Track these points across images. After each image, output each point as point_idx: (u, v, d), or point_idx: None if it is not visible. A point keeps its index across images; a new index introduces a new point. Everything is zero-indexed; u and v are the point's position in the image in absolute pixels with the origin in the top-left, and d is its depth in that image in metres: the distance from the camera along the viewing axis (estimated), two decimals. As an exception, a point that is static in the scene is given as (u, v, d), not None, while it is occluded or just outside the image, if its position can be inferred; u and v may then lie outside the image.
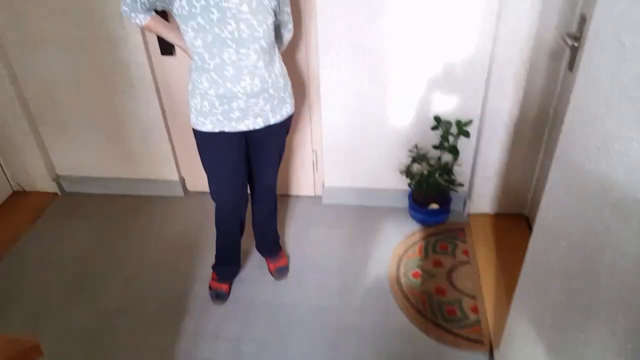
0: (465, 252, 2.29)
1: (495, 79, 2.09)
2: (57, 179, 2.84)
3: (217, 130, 1.74)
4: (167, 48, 2.29)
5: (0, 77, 2.46)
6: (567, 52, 1.97)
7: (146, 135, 2.59)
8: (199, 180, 2.69)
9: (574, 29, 1.90)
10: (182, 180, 2.78)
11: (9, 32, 2.37)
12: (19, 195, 2.89)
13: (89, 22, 2.26)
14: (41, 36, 2.35)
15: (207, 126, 1.74)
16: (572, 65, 1.90)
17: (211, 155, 1.83)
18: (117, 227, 2.61)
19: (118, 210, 2.74)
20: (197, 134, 1.79)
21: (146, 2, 1.64)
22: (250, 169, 1.97)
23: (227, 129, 1.74)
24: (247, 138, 1.84)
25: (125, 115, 2.54)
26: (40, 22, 2.31)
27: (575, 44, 1.82)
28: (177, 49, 2.21)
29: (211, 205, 1.99)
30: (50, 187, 2.85)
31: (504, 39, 1.98)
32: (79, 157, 2.76)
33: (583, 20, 1.77)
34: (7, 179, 2.85)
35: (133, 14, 1.70)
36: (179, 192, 2.78)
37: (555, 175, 1.22)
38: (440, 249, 2.31)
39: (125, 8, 1.70)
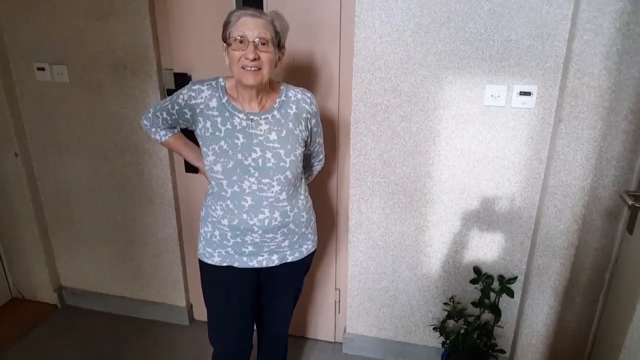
0: None
1: (543, 234, 1.91)
2: (60, 290, 2.73)
3: (225, 264, 1.60)
4: (192, 166, 2.24)
5: (19, 177, 2.48)
6: (626, 211, 1.79)
7: (158, 255, 2.48)
8: (207, 308, 2.49)
9: (633, 186, 1.73)
10: (190, 308, 2.62)
11: (35, 134, 2.43)
12: (17, 303, 2.78)
13: (117, 132, 2.30)
14: (67, 140, 2.39)
15: (215, 259, 1.60)
16: (631, 227, 1.70)
17: (215, 292, 1.67)
18: (112, 352, 2.42)
19: (117, 332, 2.56)
20: (203, 267, 1.65)
21: (168, 118, 1.61)
22: (259, 312, 1.76)
23: (236, 264, 1.60)
24: (259, 276, 1.67)
25: (139, 231, 2.47)
26: (68, 126, 2.36)
27: (636, 204, 1.64)
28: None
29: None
30: (51, 298, 2.73)
31: (554, 191, 1.85)
32: (85, 270, 2.67)
33: (645, 179, 1.61)
34: (8, 284, 2.77)
35: (154, 129, 1.68)
36: (184, 320, 2.60)
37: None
38: None
39: (146, 122, 1.69)
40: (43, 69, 2.28)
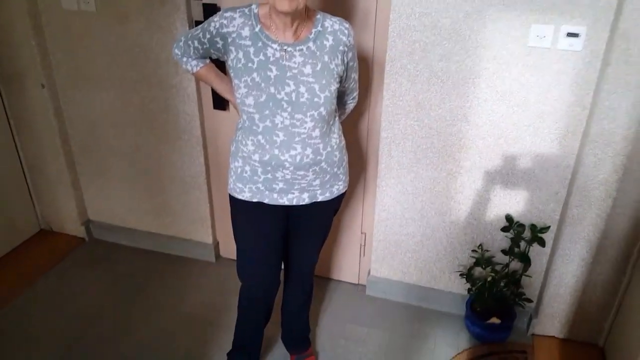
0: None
1: (580, 184, 1.89)
2: (87, 224, 2.83)
3: (255, 200, 1.62)
4: (220, 102, 2.25)
5: (45, 109, 2.51)
6: (672, 163, 1.73)
7: (185, 191, 2.53)
8: (234, 246, 2.53)
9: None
10: (216, 245, 2.69)
11: (61, 65, 2.44)
12: (45, 235, 2.89)
13: (144, 64, 2.29)
14: (93, 72, 2.40)
15: (245, 194, 1.61)
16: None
17: (245, 227, 1.70)
18: (137, 286, 2.52)
19: (143, 267, 2.65)
20: (233, 202, 1.67)
21: (200, 48, 1.59)
22: (287, 249, 1.78)
23: (266, 201, 1.61)
24: (288, 213, 1.69)
25: (166, 167, 2.51)
26: (94, 58, 2.36)
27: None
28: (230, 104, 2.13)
29: (241, 279, 1.83)
30: (79, 231, 2.83)
31: (595, 139, 1.82)
32: (112, 204, 2.74)
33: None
34: (37, 215, 2.87)
35: (185, 59, 1.66)
36: (211, 257, 2.68)
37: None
38: (495, 373, 2.01)
39: (177, 52, 1.66)
40: (69, -5, 2.25)
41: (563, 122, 1.85)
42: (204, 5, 2.10)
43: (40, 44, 2.37)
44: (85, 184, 2.73)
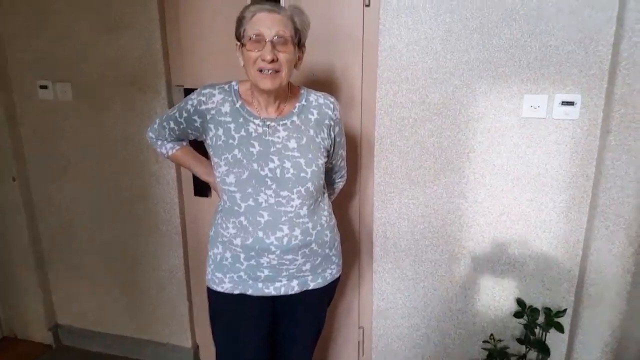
0: None
1: (594, 260, 1.81)
2: (55, 329, 2.66)
3: (237, 292, 1.50)
4: (202, 188, 2.21)
5: (15, 205, 2.45)
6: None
7: (162, 288, 2.42)
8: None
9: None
10: (196, 349, 2.51)
11: (35, 157, 2.41)
12: (8, 342, 2.70)
13: (122, 152, 2.28)
14: (69, 163, 2.38)
15: (226, 285, 1.51)
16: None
17: (226, 325, 1.57)
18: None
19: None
20: (212, 295, 1.56)
21: (176, 128, 1.55)
22: (275, 350, 1.62)
23: (250, 292, 1.50)
24: (275, 306, 1.56)
25: (142, 262, 2.42)
26: (71, 148, 2.35)
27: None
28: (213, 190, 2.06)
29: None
30: (45, 337, 2.66)
31: (604, 210, 1.77)
32: (83, 306, 2.60)
33: None
34: (0, 321, 2.63)
35: (159, 142, 1.61)
36: (190, 363, 2.45)
37: None
38: None
39: (151, 134, 1.62)
40: (46, 87, 2.28)
41: (567, 194, 1.79)
42: (186, 90, 2.12)
43: (14, 135, 2.36)
44: (54, 284, 2.60)
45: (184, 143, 1.65)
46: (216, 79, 2.00)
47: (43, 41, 2.21)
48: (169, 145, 1.62)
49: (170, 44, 2.10)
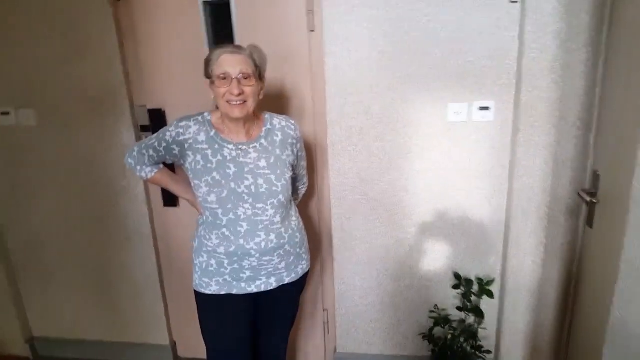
0: None
1: (514, 236, 2.19)
2: (32, 341, 2.81)
3: (223, 292, 1.76)
4: (171, 199, 2.39)
5: None
6: (584, 208, 2.06)
7: (138, 294, 2.62)
8: (192, 345, 2.62)
9: (587, 184, 2.00)
10: (173, 345, 2.75)
11: (1, 180, 2.53)
12: None
13: (89, 170, 2.44)
14: (35, 184, 2.52)
15: (213, 287, 1.77)
16: (590, 222, 1.97)
17: (215, 322, 1.83)
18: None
19: (96, 380, 2.60)
20: (200, 298, 1.81)
21: (155, 155, 1.78)
22: (256, 337, 1.94)
23: (235, 291, 1.77)
24: (256, 301, 1.85)
25: (116, 271, 2.62)
26: (36, 170, 2.49)
27: (593, 201, 1.91)
28: (181, 199, 2.27)
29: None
30: (22, 350, 2.81)
31: (519, 194, 2.16)
32: (59, 316, 2.77)
33: (596, 177, 1.88)
34: (-26, 340, 2.74)
35: (139, 167, 1.83)
36: (168, 358, 2.70)
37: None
38: None
39: (130, 161, 1.82)
40: (8, 113, 2.39)
41: (488, 181, 2.20)
42: (149, 110, 2.33)
43: (-23, 161, 2.47)
44: (28, 299, 2.74)
45: (161, 166, 1.87)
46: (176, 98, 2.28)
47: (5, 69, 2.34)
48: (148, 169, 1.84)
49: (131, 67, 2.30)
